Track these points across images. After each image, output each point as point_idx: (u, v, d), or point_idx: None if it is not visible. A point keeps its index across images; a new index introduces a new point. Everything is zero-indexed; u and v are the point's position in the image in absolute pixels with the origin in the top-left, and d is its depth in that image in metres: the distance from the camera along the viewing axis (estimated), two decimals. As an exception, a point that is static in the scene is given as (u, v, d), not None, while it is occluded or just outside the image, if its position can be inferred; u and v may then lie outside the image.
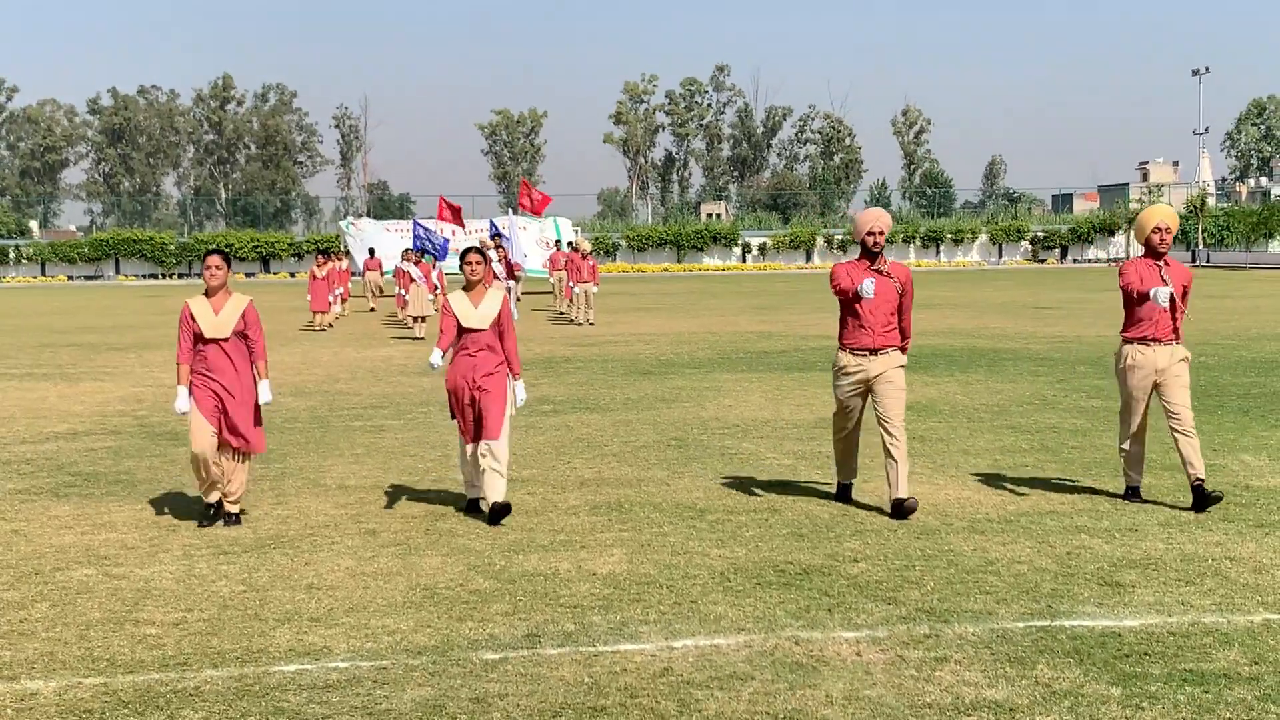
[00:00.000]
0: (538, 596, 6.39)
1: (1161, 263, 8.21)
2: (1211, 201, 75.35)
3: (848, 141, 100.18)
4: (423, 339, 23.02)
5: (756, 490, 8.90)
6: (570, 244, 36.46)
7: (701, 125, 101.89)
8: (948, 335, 21.60)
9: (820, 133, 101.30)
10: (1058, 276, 51.17)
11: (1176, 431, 8.09)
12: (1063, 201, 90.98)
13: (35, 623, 6.09)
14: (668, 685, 5.13)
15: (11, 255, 63.36)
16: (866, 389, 8.13)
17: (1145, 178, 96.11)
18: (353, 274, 35.42)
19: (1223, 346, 18.72)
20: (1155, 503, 8.30)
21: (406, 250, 27.60)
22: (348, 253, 39.60)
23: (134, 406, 14.03)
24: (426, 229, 31.65)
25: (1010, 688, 5.04)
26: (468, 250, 8.42)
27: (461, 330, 8.15)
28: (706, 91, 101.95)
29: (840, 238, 67.56)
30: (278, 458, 10.41)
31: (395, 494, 8.96)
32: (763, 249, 67.77)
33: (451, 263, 29.27)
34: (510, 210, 42.24)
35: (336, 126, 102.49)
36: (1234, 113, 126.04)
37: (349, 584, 6.67)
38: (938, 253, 68.99)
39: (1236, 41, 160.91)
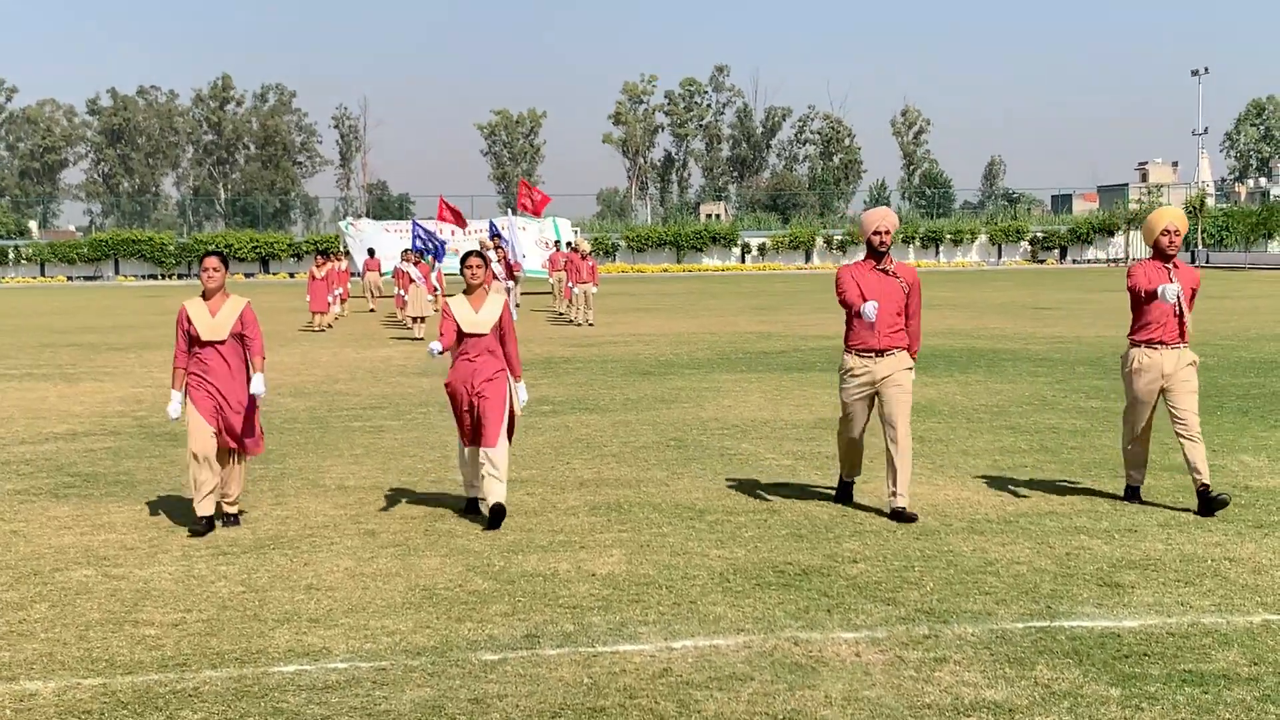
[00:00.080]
0: (537, 597, 6.39)
1: (1170, 265, 8.17)
2: (1211, 202, 75.39)
3: (847, 142, 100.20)
4: (421, 339, 23.02)
5: (756, 491, 8.89)
6: (569, 244, 36.49)
7: (701, 126, 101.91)
8: (947, 336, 21.60)
9: (820, 133, 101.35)
10: (1057, 277, 51.19)
11: (1182, 437, 8.05)
12: (1062, 202, 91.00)
13: (34, 623, 6.08)
14: (667, 686, 5.13)
15: (11, 256, 63.38)
16: (874, 393, 8.06)
17: (1145, 178, 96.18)
18: (352, 274, 35.44)
19: (1222, 347, 18.72)
20: (1155, 504, 8.30)
21: (406, 251, 27.64)
22: (347, 253, 39.61)
23: (133, 407, 14.02)
24: (426, 230, 31.65)
25: (1009, 688, 5.04)
26: (468, 254, 8.35)
27: (462, 334, 8.10)
28: (706, 92, 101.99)
29: (840, 238, 67.61)
30: (277, 458, 10.41)
31: (394, 495, 8.96)
32: (762, 249, 67.78)
33: (450, 263, 29.35)
34: (509, 210, 42.20)
35: (336, 127, 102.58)
36: (1233, 113, 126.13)
37: (348, 585, 6.67)
38: (937, 253, 68.99)
39: (1236, 41, 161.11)
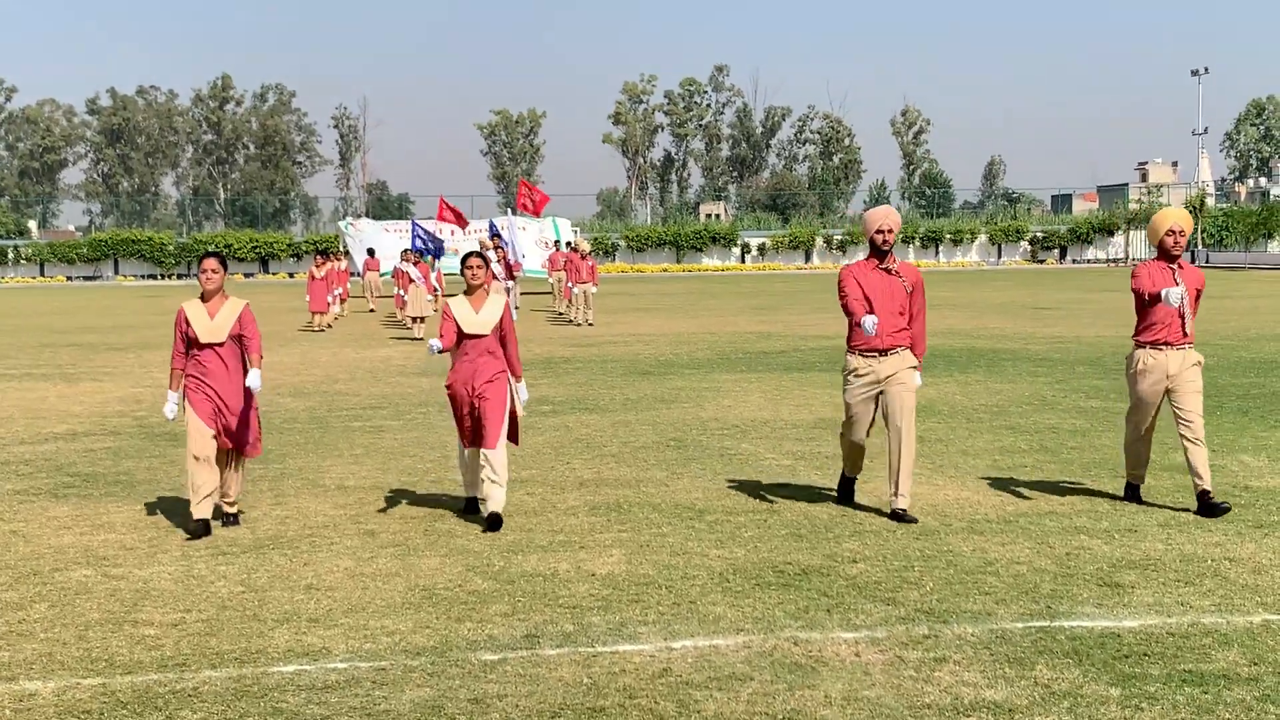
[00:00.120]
0: (536, 597, 6.39)
1: (1175, 265, 8.14)
2: (1210, 202, 75.38)
3: (847, 142, 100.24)
4: (421, 339, 23.02)
5: (756, 491, 8.89)
6: (569, 244, 36.48)
7: (700, 125, 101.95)
8: (947, 335, 21.60)
9: (819, 133, 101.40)
10: (1057, 277, 51.19)
11: (1186, 439, 8.02)
12: (1062, 202, 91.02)
13: (34, 623, 6.08)
14: (666, 686, 5.12)
15: (10, 255, 63.38)
16: (878, 393, 8.03)
17: (1144, 178, 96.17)
18: (352, 274, 35.44)
19: (1222, 347, 18.72)
20: (1155, 504, 8.30)
21: (405, 251, 27.64)
22: (347, 253, 39.61)
23: (133, 407, 14.02)
24: (425, 230, 31.65)
25: (1009, 688, 5.04)
26: (469, 254, 8.32)
27: (462, 335, 8.08)
28: (705, 92, 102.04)
29: (839, 238, 67.61)
30: (276, 458, 10.41)
31: (394, 495, 8.95)
32: (762, 249, 67.78)
33: (449, 263, 29.35)
34: (509, 210, 42.17)
35: (335, 126, 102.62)
36: (1233, 113, 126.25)
37: (348, 585, 6.66)
38: (937, 253, 69.00)
39: (1236, 42, 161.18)
